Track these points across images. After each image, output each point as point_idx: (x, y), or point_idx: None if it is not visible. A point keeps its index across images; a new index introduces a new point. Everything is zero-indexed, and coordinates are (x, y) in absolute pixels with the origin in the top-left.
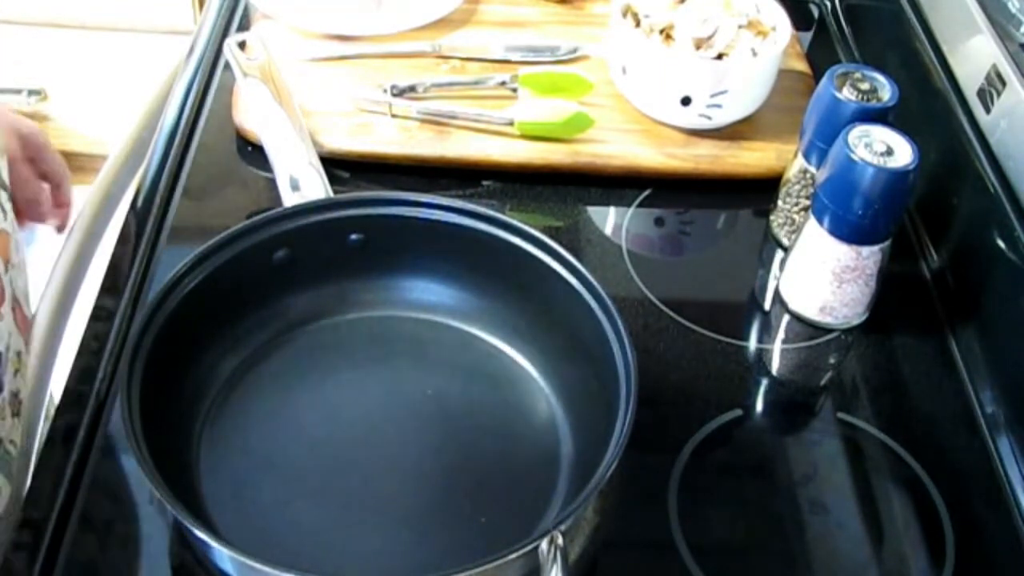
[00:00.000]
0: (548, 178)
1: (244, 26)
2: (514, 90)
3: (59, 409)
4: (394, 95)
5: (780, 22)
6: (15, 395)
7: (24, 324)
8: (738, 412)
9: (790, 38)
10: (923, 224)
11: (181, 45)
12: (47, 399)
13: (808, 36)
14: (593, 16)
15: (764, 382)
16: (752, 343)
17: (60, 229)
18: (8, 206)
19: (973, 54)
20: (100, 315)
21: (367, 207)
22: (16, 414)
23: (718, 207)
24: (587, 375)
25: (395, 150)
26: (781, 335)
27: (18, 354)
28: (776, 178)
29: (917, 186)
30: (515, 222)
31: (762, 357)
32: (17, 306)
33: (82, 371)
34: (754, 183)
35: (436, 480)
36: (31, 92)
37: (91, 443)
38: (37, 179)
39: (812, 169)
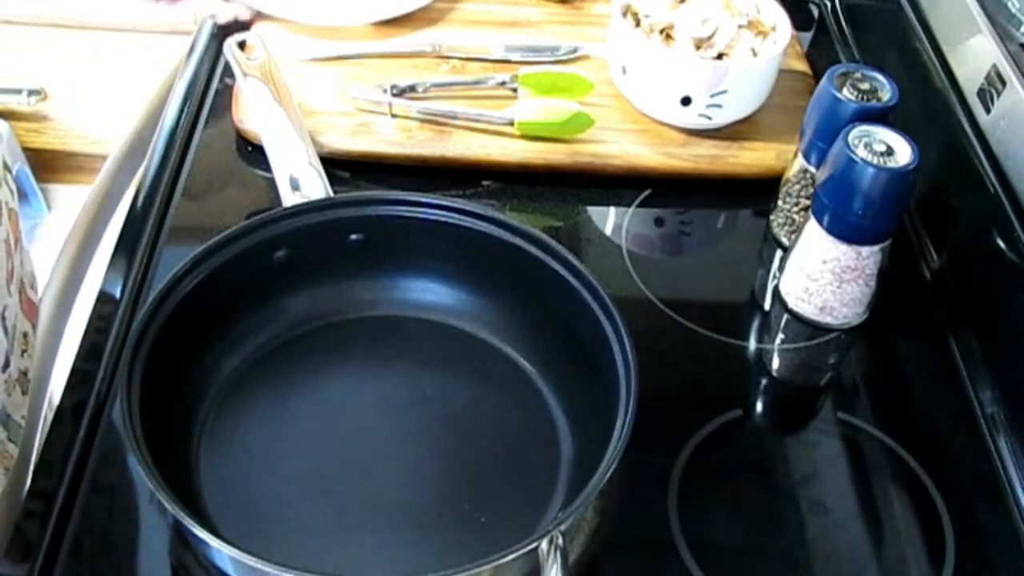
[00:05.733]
0: (548, 178)
1: (244, 26)
2: (514, 90)
3: (59, 409)
4: (394, 95)
5: (780, 22)
6: (23, 373)
7: (30, 308)
8: (738, 412)
9: (790, 38)
10: (923, 224)
11: (181, 45)
12: (46, 402)
13: (808, 36)
14: (593, 16)
15: (764, 382)
16: (752, 343)
17: None
18: (13, 186)
19: (973, 54)
20: (100, 315)
21: (367, 207)
22: (24, 392)
23: (718, 207)
24: (587, 375)
25: (395, 150)
26: (781, 335)
27: (24, 335)
28: (776, 178)
29: (917, 186)
30: (515, 222)
31: (762, 357)
32: (22, 288)
33: (82, 371)
34: (754, 183)
35: (436, 480)
36: (31, 92)
37: (91, 443)
38: None
39: (812, 169)
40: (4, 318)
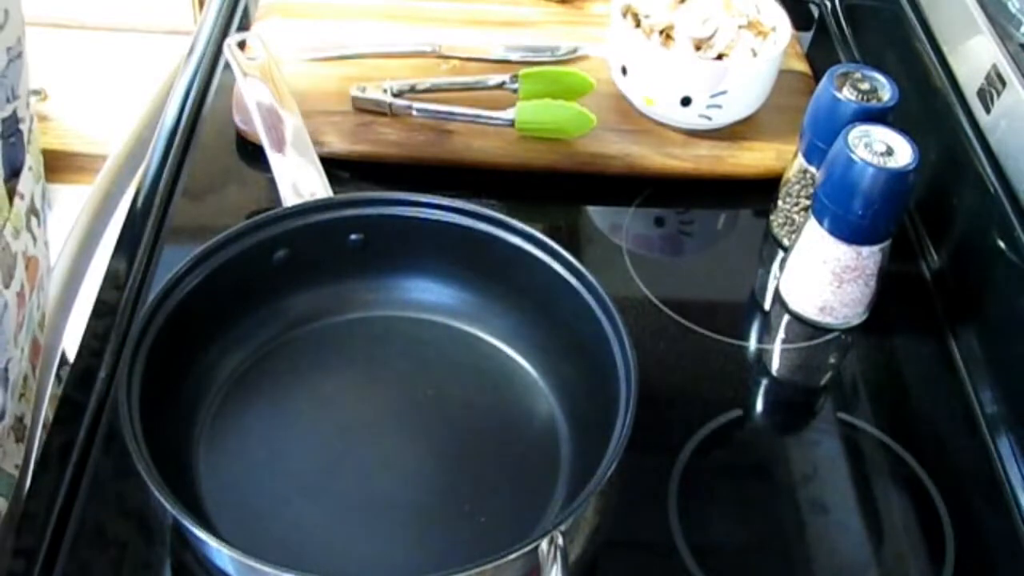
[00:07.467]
0: (548, 178)
1: (244, 26)
2: (514, 90)
3: (59, 409)
4: (394, 95)
5: (780, 22)
6: (19, 420)
7: (36, 351)
8: (738, 412)
9: (790, 38)
10: (923, 224)
11: (181, 45)
12: (47, 396)
13: (808, 36)
14: (593, 16)
15: (764, 382)
16: (752, 343)
17: None
18: (39, 232)
19: (973, 54)
20: (100, 315)
21: (367, 207)
22: (20, 439)
23: (718, 207)
24: (587, 375)
25: (395, 150)
26: (781, 335)
27: (24, 379)
28: (776, 178)
29: (917, 186)
30: (515, 222)
31: (762, 357)
32: (33, 331)
33: (82, 371)
34: (754, 183)
35: (436, 480)
36: (31, 92)
37: (91, 443)
38: None
39: (812, 169)
40: (7, 370)
